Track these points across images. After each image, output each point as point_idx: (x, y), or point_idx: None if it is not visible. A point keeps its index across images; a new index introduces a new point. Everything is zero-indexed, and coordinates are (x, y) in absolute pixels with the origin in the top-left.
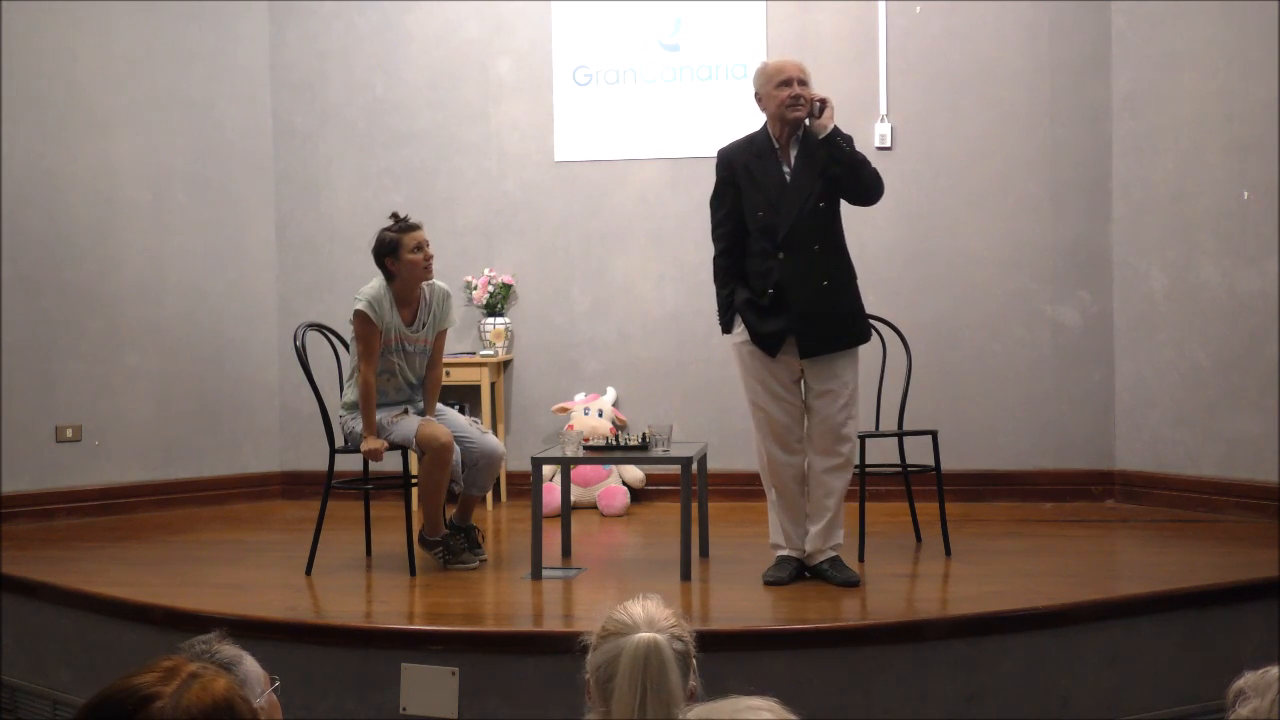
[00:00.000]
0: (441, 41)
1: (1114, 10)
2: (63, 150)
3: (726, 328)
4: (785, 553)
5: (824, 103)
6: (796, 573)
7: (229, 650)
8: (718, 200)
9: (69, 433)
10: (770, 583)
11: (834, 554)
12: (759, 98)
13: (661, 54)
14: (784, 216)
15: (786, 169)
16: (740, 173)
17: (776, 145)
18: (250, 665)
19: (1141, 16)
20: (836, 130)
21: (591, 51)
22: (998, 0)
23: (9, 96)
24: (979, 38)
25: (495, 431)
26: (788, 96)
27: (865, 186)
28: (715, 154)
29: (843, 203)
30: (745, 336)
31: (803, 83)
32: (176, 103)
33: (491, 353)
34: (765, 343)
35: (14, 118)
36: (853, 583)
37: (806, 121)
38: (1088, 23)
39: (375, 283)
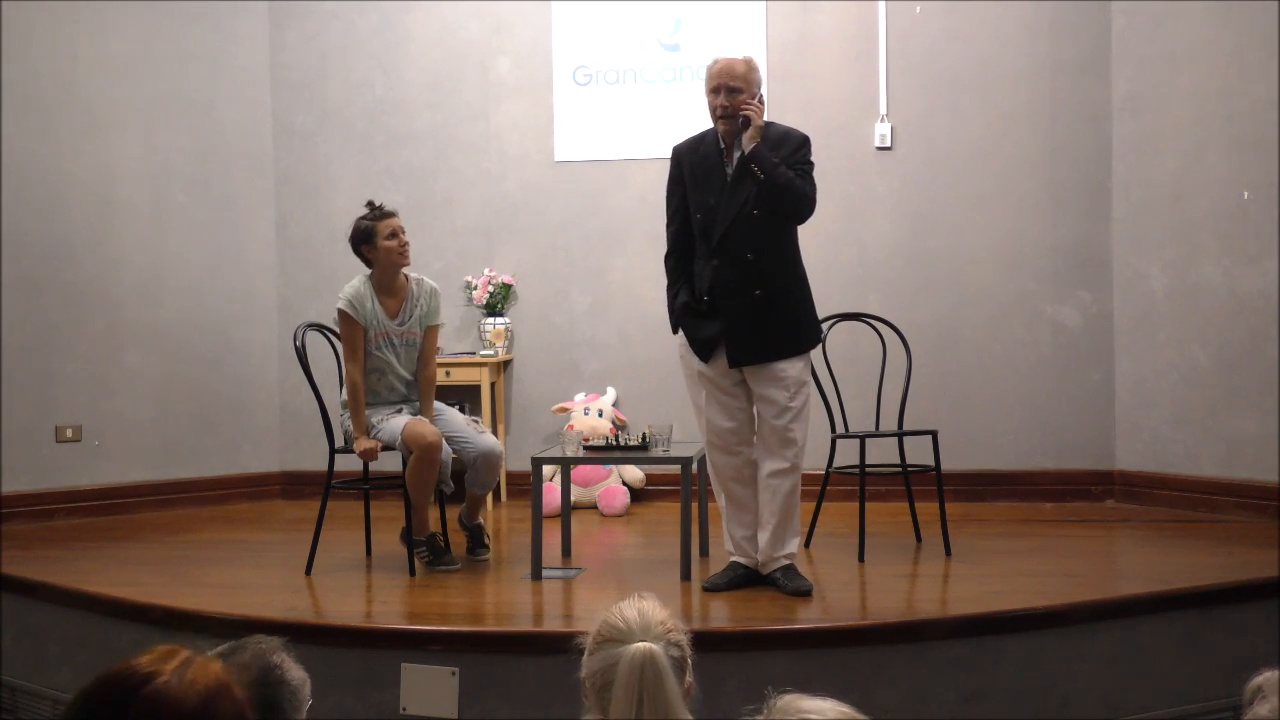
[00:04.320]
0: (441, 41)
1: (1114, 10)
2: (62, 150)
3: (674, 328)
4: (735, 558)
5: (746, 120)
6: (740, 580)
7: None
8: (669, 197)
9: (69, 433)
10: (707, 588)
11: (787, 563)
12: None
13: (661, 54)
14: (719, 222)
15: (729, 171)
16: (687, 171)
17: (722, 146)
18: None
19: (1141, 16)
20: (756, 152)
21: (591, 51)
22: (998, 0)
23: (9, 96)
24: (979, 38)
25: (495, 432)
26: (716, 106)
27: (787, 211)
28: None
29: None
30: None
31: (734, 90)
32: (176, 103)
33: (491, 353)
34: (699, 349)
35: (14, 118)
36: (804, 592)
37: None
38: (1088, 23)
39: (356, 280)
